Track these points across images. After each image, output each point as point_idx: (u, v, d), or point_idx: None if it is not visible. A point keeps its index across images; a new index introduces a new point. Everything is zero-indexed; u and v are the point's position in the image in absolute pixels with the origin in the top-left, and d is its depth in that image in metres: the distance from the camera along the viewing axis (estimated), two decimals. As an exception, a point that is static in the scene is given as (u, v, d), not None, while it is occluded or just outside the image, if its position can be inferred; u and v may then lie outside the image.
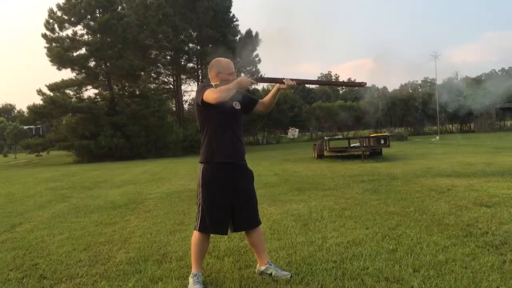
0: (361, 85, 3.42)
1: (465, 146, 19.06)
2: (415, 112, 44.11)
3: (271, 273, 3.10)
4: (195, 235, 3.12)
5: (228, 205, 3.07)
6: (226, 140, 3.08)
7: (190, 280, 3.03)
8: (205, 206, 3.05)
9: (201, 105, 3.01)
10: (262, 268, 3.17)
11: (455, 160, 12.00)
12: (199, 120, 3.14)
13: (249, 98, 3.34)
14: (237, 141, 3.14)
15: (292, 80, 3.12)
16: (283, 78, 3.13)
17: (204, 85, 3.10)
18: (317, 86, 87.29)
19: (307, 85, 72.08)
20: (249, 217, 3.16)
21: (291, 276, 3.07)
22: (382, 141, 15.24)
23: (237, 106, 3.19)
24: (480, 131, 39.86)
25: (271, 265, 3.16)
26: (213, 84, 3.14)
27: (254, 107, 3.32)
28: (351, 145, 15.32)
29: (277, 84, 3.18)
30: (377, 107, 40.90)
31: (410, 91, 61.47)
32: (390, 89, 61.72)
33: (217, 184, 3.05)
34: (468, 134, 38.51)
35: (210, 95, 2.90)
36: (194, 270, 3.09)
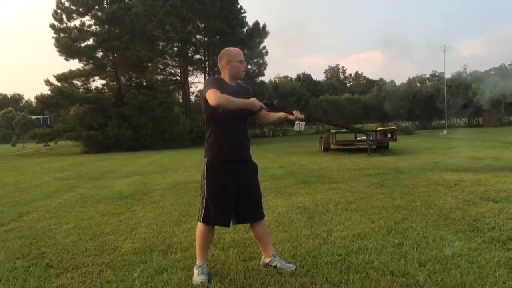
0: (367, 133, 3.50)
1: (473, 140, 18.93)
2: (423, 106, 43.76)
3: (276, 265, 3.10)
4: (199, 226, 3.13)
5: (232, 197, 3.07)
6: (231, 136, 3.07)
7: (195, 271, 3.03)
8: (209, 198, 3.05)
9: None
10: (267, 260, 3.17)
11: (463, 154, 11.92)
12: (205, 114, 3.11)
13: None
14: (242, 137, 3.13)
15: (302, 114, 3.19)
16: (294, 110, 3.18)
17: (210, 81, 3.07)
18: (324, 79, 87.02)
19: (314, 78, 71.81)
20: (253, 210, 3.15)
21: (295, 269, 3.07)
22: (389, 135, 15.18)
23: None
24: (489, 126, 39.56)
25: (276, 257, 3.16)
26: (223, 79, 3.13)
27: (258, 113, 3.23)
28: (358, 138, 15.26)
29: (286, 114, 3.19)
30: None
31: (418, 85, 61.07)
32: (397, 83, 61.27)
33: (221, 177, 3.05)
34: (476, 128, 38.24)
35: (212, 96, 2.88)
36: (198, 261, 3.10)
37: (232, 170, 3.06)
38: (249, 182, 3.16)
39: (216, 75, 3.24)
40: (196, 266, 3.08)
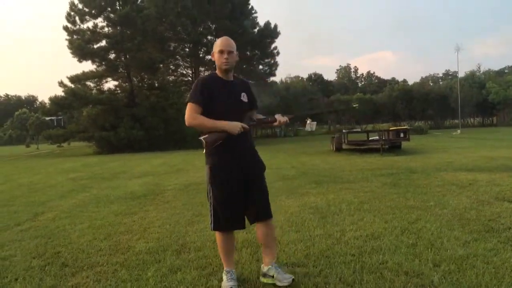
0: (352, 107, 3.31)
1: (487, 140, 18.69)
2: (436, 105, 43.31)
3: (273, 275, 2.90)
4: (216, 235, 3.03)
5: (240, 199, 2.90)
6: (231, 137, 2.81)
7: (224, 277, 2.95)
8: (217, 204, 2.90)
9: None
10: (265, 269, 2.97)
11: (477, 154, 11.78)
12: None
13: (252, 100, 3.09)
14: (243, 136, 2.87)
15: (283, 116, 2.97)
16: (275, 116, 2.99)
17: (194, 86, 2.92)
18: (336, 79, 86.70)
19: (325, 77, 71.61)
20: (260, 207, 2.96)
21: (293, 280, 2.85)
22: (402, 135, 15.08)
23: (244, 98, 3.00)
24: (503, 125, 39.02)
25: (274, 266, 2.93)
26: (217, 73, 2.95)
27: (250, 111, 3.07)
28: (370, 138, 15.17)
29: (268, 122, 3.04)
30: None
31: (431, 84, 60.51)
32: (410, 82, 60.76)
33: (225, 180, 2.87)
34: (490, 128, 37.75)
35: (186, 114, 2.82)
36: (226, 267, 2.99)
37: (236, 171, 2.89)
38: (256, 179, 2.98)
39: (210, 73, 3.09)
40: (224, 272, 2.99)
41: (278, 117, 2.97)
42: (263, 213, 2.97)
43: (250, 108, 3.05)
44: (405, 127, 20.46)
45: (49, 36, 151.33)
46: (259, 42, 36.13)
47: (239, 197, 2.91)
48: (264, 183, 3.04)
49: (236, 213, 2.93)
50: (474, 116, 47.61)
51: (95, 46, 29.37)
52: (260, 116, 3.10)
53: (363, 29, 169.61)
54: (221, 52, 2.87)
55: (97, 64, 30.06)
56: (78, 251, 3.86)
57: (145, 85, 31.34)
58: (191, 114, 2.81)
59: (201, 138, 2.78)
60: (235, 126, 2.77)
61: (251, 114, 3.06)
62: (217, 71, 2.96)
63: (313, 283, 2.86)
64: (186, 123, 2.81)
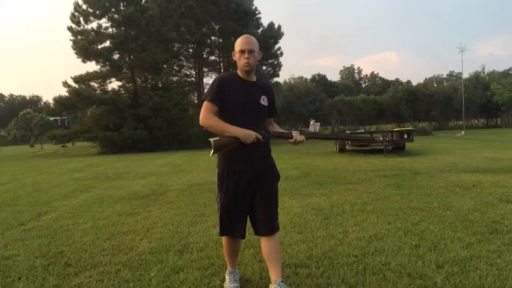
0: (374, 140, 3.08)
1: (491, 141, 18.62)
2: (440, 107, 43.15)
3: None
4: (223, 238, 2.96)
5: (245, 208, 2.77)
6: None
7: (227, 277, 2.94)
8: (223, 210, 2.78)
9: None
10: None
11: (481, 155, 11.74)
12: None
13: (272, 106, 2.89)
14: (261, 142, 2.65)
15: (301, 135, 2.74)
16: (292, 132, 2.75)
17: (212, 83, 2.75)
18: (339, 80, 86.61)
19: (329, 78, 71.58)
20: (267, 221, 2.77)
21: None
22: (405, 136, 15.04)
23: (264, 101, 2.79)
24: (508, 126, 38.87)
25: (277, 284, 2.65)
26: (238, 73, 2.76)
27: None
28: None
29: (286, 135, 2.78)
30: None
31: (435, 85, 60.32)
32: (414, 83, 60.61)
33: (234, 187, 2.71)
34: (494, 129, 37.60)
35: (202, 111, 2.65)
36: (229, 267, 2.98)
37: (246, 179, 2.71)
38: (266, 189, 2.78)
39: (231, 71, 2.91)
40: (227, 272, 2.98)
41: (296, 135, 2.72)
42: (269, 228, 2.77)
43: (268, 114, 2.86)
44: (409, 128, 20.41)
45: (53, 36, 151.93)
46: (263, 43, 36.11)
47: (244, 206, 2.76)
48: (275, 195, 2.85)
49: (239, 221, 2.79)
50: (478, 117, 47.46)
51: (99, 47, 29.49)
52: (278, 128, 2.92)
53: (367, 30, 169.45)
54: (242, 52, 2.67)
55: (101, 64, 30.19)
56: (81, 251, 3.87)
57: (149, 86, 31.42)
58: (205, 113, 2.63)
59: (211, 139, 2.59)
60: (248, 136, 2.55)
61: (268, 123, 2.89)
62: (238, 71, 2.78)
63: (316, 284, 2.86)
64: (200, 123, 2.65)
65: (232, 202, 2.74)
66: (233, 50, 2.75)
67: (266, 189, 2.78)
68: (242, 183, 2.71)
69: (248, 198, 2.75)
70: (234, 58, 2.75)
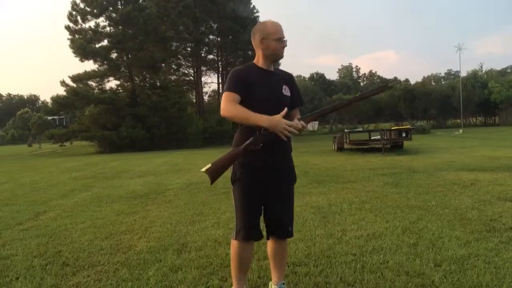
0: (387, 87, 2.73)
1: (489, 139, 18.65)
2: (438, 105, 43.17)
3: None
4: (232, 244, 2.60)
5: (260, 207, 2.55)
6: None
7: None
8: (240, 208, 2.52)
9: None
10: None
11: (479, 153, 11.76)
12: None
13: (295, 95, 2.63)
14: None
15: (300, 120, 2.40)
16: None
17: (230, 76, 2.49)
18: (338, 78, 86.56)
19: (327, 77, 71.56)
20: (283, 224, 2.60)
21: None
22: (404, 134, 15.07)
23: (286, 91, 2.54)
24: (505, 125, 38.92)
25: (278, 286, 2.63)
26: (255, 64, 2.54)
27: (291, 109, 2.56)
28: (372, 137, 15.16)
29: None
30: None
31: (433, 84, 60.37)
32: (412, 82, 60.64)
33: (249, 184, 2.49)
34: (492, 127, 37.67)
35: (223, 103, 2.41)
36: (236, 286, 2.60)
37: (264, 176, 2.50)
38: (284, 189, 2.60)
39: (246, 63, 2.65)
40: None
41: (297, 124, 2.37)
42: (283, 232, 2.63)
43: (292, 106, 2.56)
44: (407, 126, 20.44)
45: (51, 35, 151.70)
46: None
47: (260, 205, 2.54)
48: (292, 197, 2.68)
49: (257, 222, 2.54)
50: (476, 115, 47.50)
51: (97, 46, 29.40)
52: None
53: (365, 29, 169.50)
54: (280, 40, 2.46)
55: (99, 63, 30.12)
56: (79, 250, 3.86)
57: (147, 85, 31.36)
58: (227, 103, 2.38)
59: (204, 170, 2.41)
60: (276, 124, 2.28)
61: (294, 115, 2.57)
62: (258, 61, 2.53)
63: (314, 283, 2.86)
64: (222, 113, 2.39)
65: (252, 199, 2.50)
66: (259, 36, 2.47)
67: (284, 192, 2.60)
68: (259, 181, 2.48)
69: (263, 199, 2.53)
70: (261, 45, 2.48)
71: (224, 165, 2.41)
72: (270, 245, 2.67)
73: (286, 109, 2.35)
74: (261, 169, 2.47)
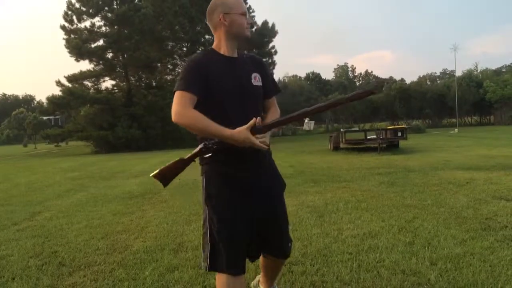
0: (372, 92, 1.99)
1: (484, 138, 18.74)
2: (433, 104, 43.32)
3: None
4: (217, 278, 2.09)
5: (247, 227, 2.06)
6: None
7: None
8: (216, 233, 2.04)
9: None
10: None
11: (474, 153, 11.81)
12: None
13: (267, 84, 2.18)
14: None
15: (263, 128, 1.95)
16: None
17: (183, 70, 2.07)
18: (333, 78, 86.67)
19: (323, 77, 71.63)
20: (279, 246, 2.23)
21: None
22: (399, 134, 15.10)
23: (257, 81, 2.10)
24: (500, 124, 39.10)
25: None
26: (214, 49, 2.13)
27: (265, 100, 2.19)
28: (368, 137, 15.19)
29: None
30: None
31: (429, 83, 60.56)
32: (408, 81, 60.84)
33: (228, 197, 2.04)
34: (487, 126, 37.84)
35: (175, 104, 1.93)
36: None
37: (243, 187, 2.06)
38: (273, 199, 2.16)
39: (204, 49, 2.27)
40: None
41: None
42: (282, 251, 2.26)
43: (265, 95, 2.17)
44: (402, 126, 20.50)
45: (46, 35, 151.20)
46: (257, 41, 36.08)
47: (245, 223, 2.04)
48: (285, 210, 2.25)
49: (239, 248, 2.05)
50: (472, 115, 47.67)
51: (93, 45, 29.31)
52: (277, 114, 2.19)
53: (361, 28, 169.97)
54: (243, 14, 2.06)
55: (95, 63, 30.04)
56: (75, 251, 3.86)
57: (143, 85, 31.32)
58: (180, 107, 1.91)
59: (152, 175, 2.11)
60: (243, 138, 1.86)
61: (270, 106, 2.19)
62: (219, 46, 2.12)
63: (310, 282, 2.87)
64: (173, 119, 1.94)
65: (231, 220, 2.02)
66: (220, 12, 2.08)
67: (274, 201, 2.17)
68: (238, 191, 2.04)
69: (248, 215, 2.05)
70: (223, 22, 2.07)
71: (172, 172, 2.18)
72: (264, 259, 2.36)
73: (254, 119, 1.89)
74: (239, 179, 2.05)
